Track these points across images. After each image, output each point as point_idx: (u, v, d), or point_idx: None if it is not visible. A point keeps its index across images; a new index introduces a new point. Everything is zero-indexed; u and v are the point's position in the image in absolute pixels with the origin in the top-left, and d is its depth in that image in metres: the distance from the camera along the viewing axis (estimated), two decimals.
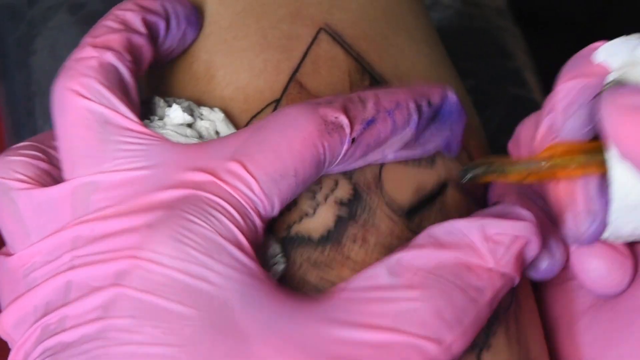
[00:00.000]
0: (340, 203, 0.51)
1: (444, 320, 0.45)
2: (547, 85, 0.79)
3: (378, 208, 0.51)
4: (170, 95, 0.55)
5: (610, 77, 0.48)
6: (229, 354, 0.44)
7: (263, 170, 0.46)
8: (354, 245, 0.50)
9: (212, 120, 0.51)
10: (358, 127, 0.48)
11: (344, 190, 0.51)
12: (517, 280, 0.47)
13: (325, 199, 0.51)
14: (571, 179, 0.49)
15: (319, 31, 0.54)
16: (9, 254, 0.49)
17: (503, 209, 0.49)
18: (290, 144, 0.47)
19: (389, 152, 0.50)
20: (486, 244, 0.47)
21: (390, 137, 0.50)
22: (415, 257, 0.47)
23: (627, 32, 0.48)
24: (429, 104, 0.50)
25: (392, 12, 0.57)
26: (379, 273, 0.47)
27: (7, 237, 0.49)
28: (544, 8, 1.00)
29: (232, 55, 0.54)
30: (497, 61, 0.78)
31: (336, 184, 0.51)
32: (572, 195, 0.49)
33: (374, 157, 0.50)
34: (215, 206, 0.46)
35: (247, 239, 0.46)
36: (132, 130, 0.48)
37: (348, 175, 0.51)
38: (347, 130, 0.48)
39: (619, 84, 0.47)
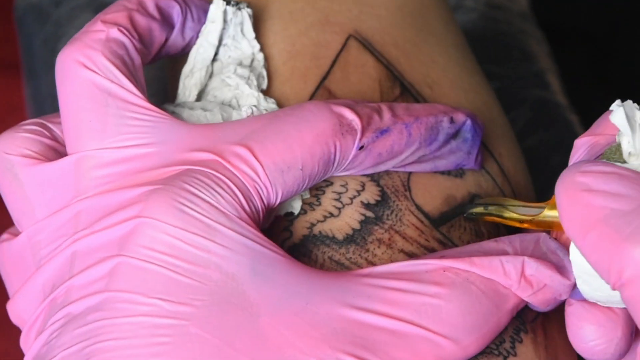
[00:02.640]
0: (367, 205, 0.51)
1: (466, 323, 0.46)
2: (569, 88, 0.79)
3: (406, 213, 0.51)
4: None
5: (617, 139, 0.46)
6: (239, 327, 0.44)
7: (271, 159, 0.46)
8: (379, 249, 0.50)
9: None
10: (370, 135, 0.48)
11: (370, 193, 0.51)
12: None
13: (352, 200, 0.51)
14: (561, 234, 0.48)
15: (348, 38, 0.54)
16: (15, 234, 0.49)
17: (554, 250, 0.48)
18: (302, 138, 0.47)
19: (398, 164, 0.50)
20: (519, 280, 0.46)
21: (404, 151, 0.50)
22: (448, 262, 0.47)
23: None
24: (452, 120, 0.50)
25: (421, 19, 0.57)
26: (407, 265, 0.47)
27: (13, 214, 0.49)
28: (563, 15, 1.01)
29: None
30: (521, 64, 0.78)
31: (363, 186, 0.51)
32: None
33: (385, 166, 0.50)
34: (219, 182, 0.45)
35: (250, 217, 0.46)
36: (136, 105, 0.47)
37: (375, 178, 0.51)
38: (359, 134, 0.48)
39: (614, 150, 0.45)
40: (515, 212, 0.50)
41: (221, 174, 0.46)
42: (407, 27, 0.56)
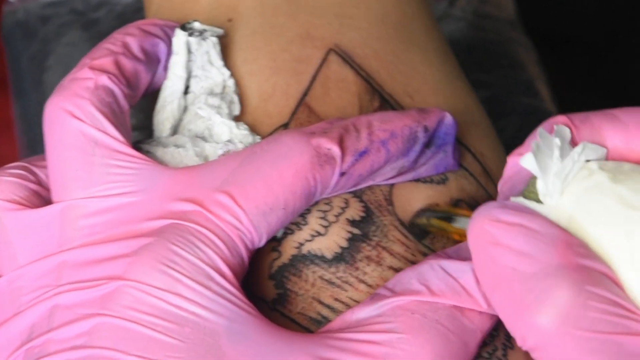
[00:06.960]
0: (352, 222, 0.50)
1: None
2: (560, 95, 0.79)
3: (391, 228, 0.51)
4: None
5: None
6: None
7: (252, 203, 0.46)
8: (368, 267, 0.50)
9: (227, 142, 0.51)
10: (349, 159, 0.48)
11: (355, 210, 0.51)
12: None
13: (337, 218, 0.51)
14: None
15: (328, 52, 0.54)
16: None
17: None
18: (282, 176, 0.47)
19: (380, 179, 0.50)
20: (478, 287, 0.46)
21: (383, 167, 0.49)
22: (411, 301, 0.46)
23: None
24: (426, 129, 0.50)
25: (404, 29, 0.57)
26: (373, 314, 0.46)
27: None
28: (553, 24, 1.01)
29: (241, 80, 0.54)
30: (509, 72, 0.78)
31: (346, 203, 0.51)
32: None
33: (366, 183, 0.50)
34: (201, 237, 0.46)
35: (232, 270, 0.46)
36: (121, 152, 0.48)
37: (358, 194, 0.51)
38: (339, 162, 0.48)
39: (535, 183, 0.44)
40: (457, 226, 0.49)
41: (204, 227, 0.46)
42: (390, 38, 0.56)
